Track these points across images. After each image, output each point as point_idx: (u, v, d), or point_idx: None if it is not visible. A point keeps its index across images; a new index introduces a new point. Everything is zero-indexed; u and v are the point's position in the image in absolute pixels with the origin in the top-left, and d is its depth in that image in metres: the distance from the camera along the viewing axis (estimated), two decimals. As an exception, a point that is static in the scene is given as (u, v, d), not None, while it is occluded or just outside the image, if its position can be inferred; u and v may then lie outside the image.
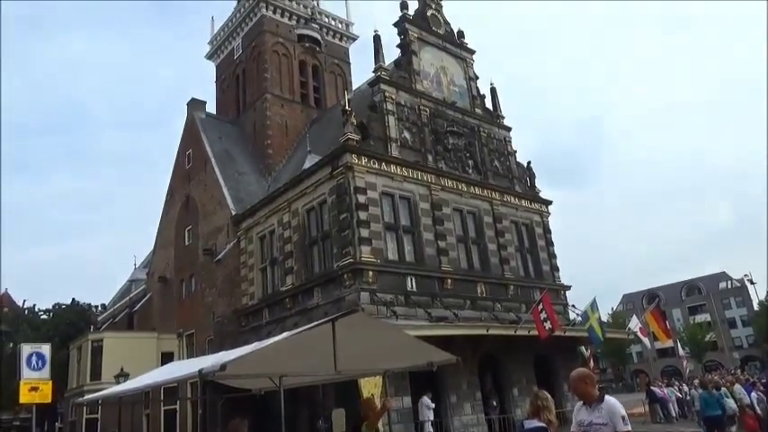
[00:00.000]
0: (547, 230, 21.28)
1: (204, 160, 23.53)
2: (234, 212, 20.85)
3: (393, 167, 16.82)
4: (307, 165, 18.35)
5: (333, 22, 29.83)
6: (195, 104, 26.11)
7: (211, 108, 28.50)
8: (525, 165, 22.25)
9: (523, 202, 20.95)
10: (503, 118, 22.15)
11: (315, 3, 30.19)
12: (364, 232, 15.35)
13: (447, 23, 21.86)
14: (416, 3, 21.13)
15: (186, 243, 23.47)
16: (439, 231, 17.20)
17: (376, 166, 16.45)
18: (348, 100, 17.35)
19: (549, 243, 21.03)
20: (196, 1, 76.18)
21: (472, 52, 22.14)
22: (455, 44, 21.61)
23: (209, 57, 31.04)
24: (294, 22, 27.86)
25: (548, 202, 21.90)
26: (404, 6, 20.17)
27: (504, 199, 20.17)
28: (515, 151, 21.93)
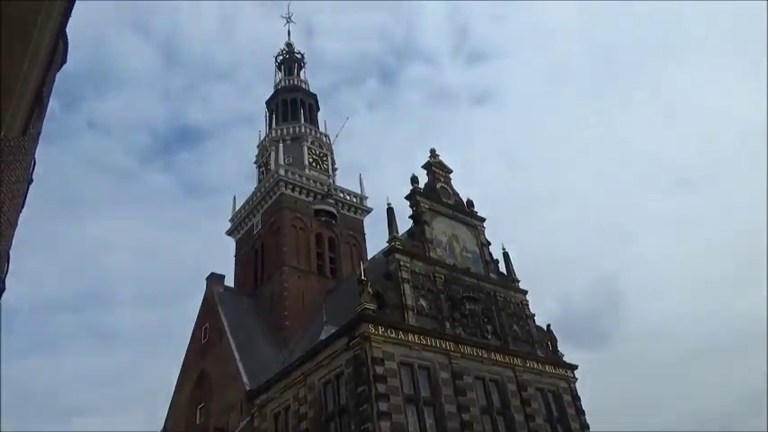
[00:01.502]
0: (576, 398, 20.88)
1: (220, 334, 24.56)
2: (248, 387, 21.10)
3: (411, 336, 17.38)
4: (323, 336, 18.84)
5: (348, 197, 33.38)
6: (214, 279, 28.23)
7: (230, 281, 30.62)
8: (545, 328, 22.76)
9: (547, 367, 20.99)
10: (518, 281, 23.28)
11: (331, 180, 34.27)
12: (383, 406, 15.34)
13: (456, 194, 24.48)
14: (426, 177, 23.99)
15: (198, 421, 23.29)
16: (461, 402, 17.13)
17: (393, 335, 16.96)
18: (363, 270, 18.47)
19: (580, 412, 20.50)
20: (220, 183, 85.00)
21: (482, 220, 24.28)
22: (465, 213, 23.87)
23: (230, 233, 34.22)
24: (311, 198, 31.28)
25: (573, 367, 21.83)
26: (414, 181, 22.87)
27: (528, 365, 20.28)
28: (534, 315, 22.59)
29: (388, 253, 19.81)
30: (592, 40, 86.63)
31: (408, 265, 19.37)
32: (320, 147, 35.94)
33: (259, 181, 35.40)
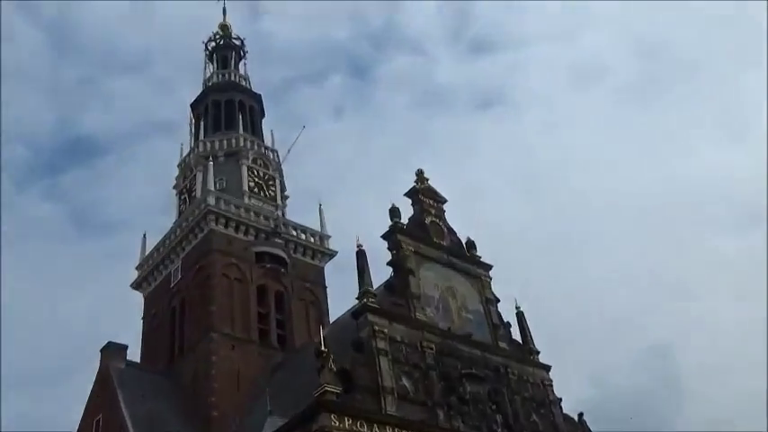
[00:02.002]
0: None
1: (120, 428, 23.60)
2: None
3: (390, 430, 17.09)
4: (267, 431, 18.52)
5: (303, 236, 33.23)
6: (112, 351, 27.06)
7: (134, 354, 29.74)
8: (577, 418, 22.52)
9: (581, 474, 20.64)
10: (537, 353, 23.22)
11: (279, 212, 34.19)
12: None
13: (452, 232, 24.58)
14: (411, 209, 24.06)
15: None
16: None
17: (364, 429, 16.68)
18: (324, 337, 18.05)
19: None
20: (124, 215, 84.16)
21: (488, 267, 24.31)
22: (465, 258, 23.93)
23: (137, 285, 33.77)
24: (252, 238, 31.04)
25: (617, 473, 21.55)
26: (395, 214, 22.75)
27: (554, 471, 20.01)
28: (560, 399, 22.44)
29: (357, 313, 19.70)
30: (637, 31, 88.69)
31: (386, 330, 19.23)
32: (265, 166, 35.94)
33: (180, 213, 35.13)
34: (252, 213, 32.09)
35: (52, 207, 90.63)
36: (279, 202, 35.05)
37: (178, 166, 37.41)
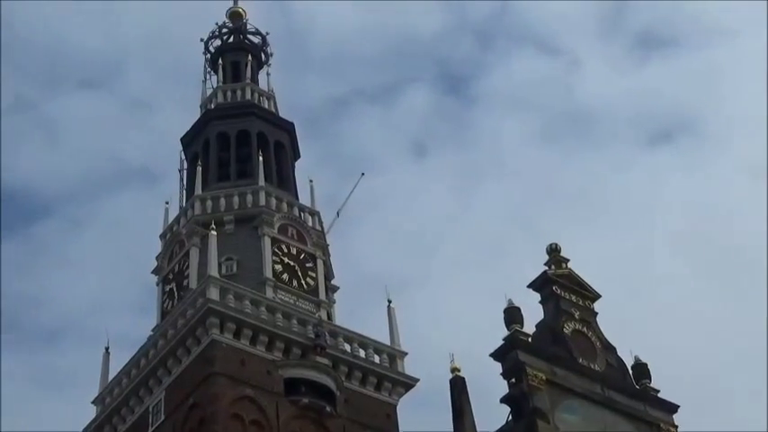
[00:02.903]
0: None
1: None
2: None
3: None
4: None
5: (362, 352, 33.94)
6: None
7: None
8: None
9: None
10: None
11: (323, 314, 35.12)
12: None
13: (610, 349, 25.71)
14: (541, 309, 25.17)
15: None
16: None
17: None
18: None
19: None
20: (71, 317, 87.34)
21: (673, 409, 25.15)
22: (631, 392, 24.88)
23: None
24: (279, 355, 31.75)
25: None
26: (513, 317, 23.93)
27: None
28: None
29: None
30: None
31: None
32: (300, 238, 37.15)
33: (163, 314, 36.37)
34: (279, 315, 32.81)
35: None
36: (322, 296, 35.83)
37: (161, 237, 38.81)
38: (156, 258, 38.79)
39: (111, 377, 35.61)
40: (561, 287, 25.05)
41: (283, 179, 40.30)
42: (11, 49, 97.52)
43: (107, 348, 36.78)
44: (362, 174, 39.62)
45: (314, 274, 36.54)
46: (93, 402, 35.68)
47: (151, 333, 35.73)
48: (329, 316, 35.84)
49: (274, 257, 35.79)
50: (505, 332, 23.22)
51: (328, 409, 31.05)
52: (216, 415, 29.46)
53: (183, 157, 41.67)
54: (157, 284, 38.25)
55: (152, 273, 38.89)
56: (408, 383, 34.24)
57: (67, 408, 69.48)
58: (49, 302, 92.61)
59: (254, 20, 46.91)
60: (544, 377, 22.79)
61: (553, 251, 25.75)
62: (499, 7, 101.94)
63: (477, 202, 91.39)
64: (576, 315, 25.17)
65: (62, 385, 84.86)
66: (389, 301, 36.24)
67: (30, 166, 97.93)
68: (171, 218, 39.44)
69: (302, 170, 42.37)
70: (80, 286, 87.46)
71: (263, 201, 37.33)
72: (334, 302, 37.35)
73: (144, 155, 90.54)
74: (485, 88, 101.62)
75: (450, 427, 20.85)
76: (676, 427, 24.10)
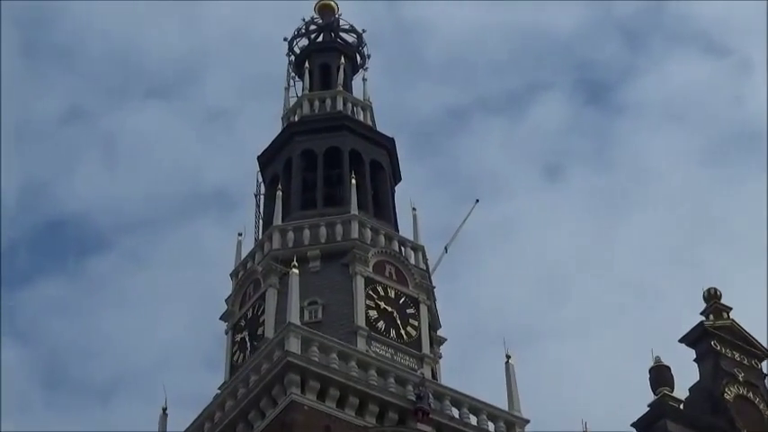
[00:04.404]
0: None
1: None
2: None
3: None
4: None
5: (473, 418, 33.63)
6: None
7: None
8: None
9: None
10: None
11: (426, 371, 34.90)
12: None
13: None
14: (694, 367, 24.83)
15: None
16: None
17: None
18: None
19: None
20: (126, 371, 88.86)
21: None
22: None
23: None
24: (373, 421, 31.66)
25: None
26: (660, 377, 24.33)
27: None
28: None
29: None
30: None
31: None
32: (401, 279, 37.26)
33: (232, 368, 36.73)
34: (372, 372, 32.74)
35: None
36: (426, 349, 35.82)
37: (232, 276, 39.38)
38: (226, 301, 39.15)
39: None
40: (721, 342, 24.86)
41: (381, 207, 40.78)
42: (70, 52, 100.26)
43: (164, 409, 36.99)
44: (477, 200, 39.62)
45: (416, 323, 36.45)
46: None
47: (218, 391, 35.92)
48: (434, 374, 35.83)
49: (368, 302, 35.81)
50: (651, 397, 23.08)
51: None
52: None
53: (260, 179, 42.36)
54: (226, 333, 38.55)
55: (220, 319, 39.26)
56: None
57: (122, 482, 70.58)
58: (102, 353, 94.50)
59: (350, 16, 47.25)
60: None
61: (712, 297, 25.47)
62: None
63: (620, 235, 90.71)
64: (740, 377, 24.98)
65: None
66: (508, 357, 35.71)
67: (84, 190, 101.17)
68: (244, 253, 39.89)
69: (404, 196, 42.58)
70: (137, 334, 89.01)
71: (355, 233, 37.50)
72: (441, 357, 37.49)
73: (218, 177, 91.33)
74: (633, 97, 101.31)
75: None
76: None
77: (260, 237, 39.64)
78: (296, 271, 34.24)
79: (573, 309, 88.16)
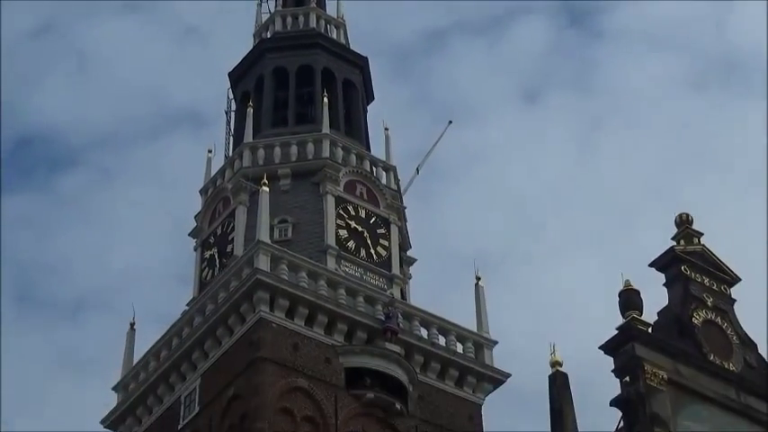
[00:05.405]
0: None
1: None
2: None
3: None
4: None
5: (442, 340, 33.75)
6: None
7: None
8: None
9: None
10: None
11: (395, 291, 34.89)
12: None
13: (750, 345, 25.30)
14: (665, 292, 24.85)
15: None
16: None
17: None
18: None
19: None
20: (92, 286, 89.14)
21: None
22: None
23: (113, 424, 35.29)
24: (340, 340, 31.73)
25: None
26: (629, 302, 23.46)
27: None
28: None
29: None
30: None
31: None
32: (372, 199, 37.06)
33: (201, 285, 36.65)
34: (342, 291, 32.70)
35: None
36: (395, 269, 35.75)
37: (201, 192, 39.11)
38: (195, 218, 38.90)
39: (136, 359, 35.93)
40: (691, 267, 24.91)
41: (353, 126, 40.39)
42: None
43: (132, 324, 37.12)
44: (450, 122, 39.28)
45: (386, 243, 36.31)
46: (113, 388, 36.03)
47: (186, 308, 35.75)
48: (403, 294, 35.69)
49: (339, 221, 35.68)
50: (620, 320, 23.13)
51: (398, 406, 30.88)
52: (261, 409, 29.45)
53: (231, 96, 41.93)
54: (195, 249, 38.36)
55: (189, 235, 39.05)
56: (497, 379, 34.00)
57: (86, 394, 70.50)
58: (72, 269, 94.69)
59: None
60: (666, 376, 22.60)
61: (683, 222, 25.35)
62: None
63: (597, 160, 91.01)
64: (709, 302, 24.90)
65: (83, 368, 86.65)
66: (478, 279, 35.90)
67: (55, 105, 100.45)
68: (214, 170, 39.56)
69: (376, 116, 42.19)
70: (106, 250, 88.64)
71: (326, 151, 37.24)
72: (410, 278, 37.39)
73: (190, 94, 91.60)
74: (615, 22, 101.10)
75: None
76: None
77: (230, 154, 39.40)
78: (266, 189, 34.13)
79: (546, 234, 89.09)
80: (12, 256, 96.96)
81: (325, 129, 37.56)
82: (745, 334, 25.21)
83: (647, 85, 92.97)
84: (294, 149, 37.20)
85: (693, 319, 23.86)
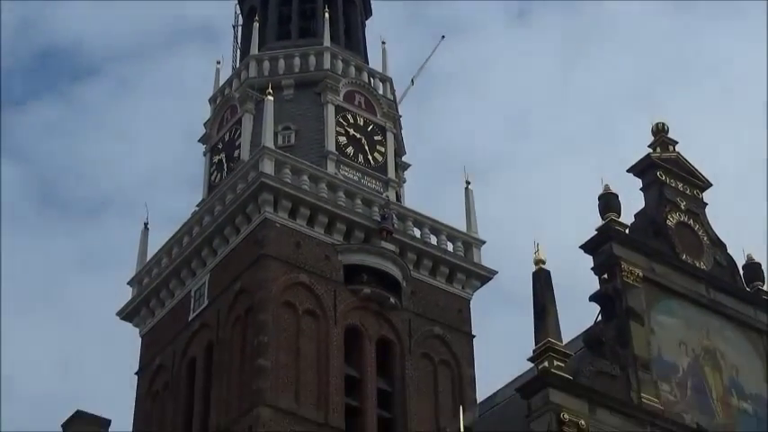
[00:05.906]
0: None
1: None
2: None
3: None
4: None
5: (434, 239, 34.64)
6: (80, 428, 29.74)
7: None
8: None
9: None
10: None
11: (391, 194, 35.77)
12: None
13: (719, 245, 25.49)
14: (642, 197, 25.15)
15: None
16: None
17: None
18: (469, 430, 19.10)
19: None
20: (109, 190, 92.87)
21: None
22: (742, 295, 24.53)
23: (128, 316, 36.66)
24: (339, 239, 32.67)
25: None
26: (608, 205, 23.65)
27: None
28: None
29: (530, 389, 19.57)
30: None
31: (583, 422, 19.07)
32: (369, 108, 37.59)
33: (209, 188, 37.28)
34: (341, 193, 33.42)
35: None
36: (391, 174, 36.40)
37: (210, 101, 39.56)
38: (205, 125, 39.39)
39: (149, 256, 36.81)
40: (666, 173, 24.74)
41: (352, 40, 40.71)
42: None
43: (146, 224, 37.88)
44: (443, 36, 39.41)
45: (382, 149, 36.94)
46: (128, 283, 37.00)
47: (196, 208, 36.52)
48: (398, 197, 36.37)
49: (338, 128, 36.23)
50: (599, 221, 23.10)
51: (392, 300, 31.80)
52: (265, 302, 30.38)
53: (239, 11, 42.06)
54: (205, 154, 38.97)
55: (199, 141, 39.61)
56: (484, 276, 34.90)
57: (103, 289, 71.85)
58: (91, 173, 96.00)
59: None
60: (641, 274, 22.70)
61: (659, 131, 25.29)
62: None
63: (581, 74, 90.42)
64: (682, 205, 25.03)
65: (102, 265, 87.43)
66: (468, 183, 36.71)
67: (77, 20, 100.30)
68: (223, 80, 39.86)
69: (374, 30, 42.55)
70: (124, 156, 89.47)
71: (327, 63, 37.64)
72: (405, 181, 38.04)
73: (203, 10, 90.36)
74: None
75: (530, 326, 20.78)
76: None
77: (237, 65, 39.71)
78: (270, 98, 34.76)
79: (532, 142, 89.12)
80: (36, 160, 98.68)
81: (327, 42, 37.99)
82: (716, 235, 25.24)
83: (632, 2, 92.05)
84: (297, 61, 37.70)
85: (668, 221, 23.48)
